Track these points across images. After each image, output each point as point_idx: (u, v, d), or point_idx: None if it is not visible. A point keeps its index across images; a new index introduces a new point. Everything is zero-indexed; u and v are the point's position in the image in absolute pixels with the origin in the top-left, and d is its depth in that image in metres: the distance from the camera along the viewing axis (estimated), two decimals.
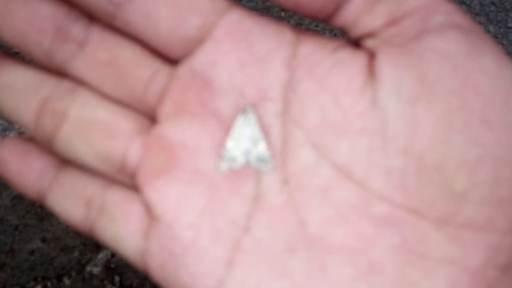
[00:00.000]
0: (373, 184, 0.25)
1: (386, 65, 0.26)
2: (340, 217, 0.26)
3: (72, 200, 0.29)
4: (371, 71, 0.26)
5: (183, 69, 0.28)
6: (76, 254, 0.36)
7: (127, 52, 0.28)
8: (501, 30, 0.55)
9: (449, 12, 0.26)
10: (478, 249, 0.24)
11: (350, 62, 0.26)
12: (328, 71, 0.26)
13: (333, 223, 0.26)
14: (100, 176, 0.30)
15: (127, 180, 0.29)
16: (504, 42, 0.55)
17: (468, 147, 0.24)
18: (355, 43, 0.28)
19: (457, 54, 0.25)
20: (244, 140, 0.27)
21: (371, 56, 0.27)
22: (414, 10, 0.26)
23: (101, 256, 0.34)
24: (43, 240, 0.35)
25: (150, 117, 0.29)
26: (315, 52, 0.27)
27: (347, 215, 0.26)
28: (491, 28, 0.55)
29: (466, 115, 0.24)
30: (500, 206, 0.24)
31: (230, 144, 0.27)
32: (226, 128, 0.28)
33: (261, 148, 0.27)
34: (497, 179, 0.24)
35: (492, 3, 0.55)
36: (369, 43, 0.27)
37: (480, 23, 0.54)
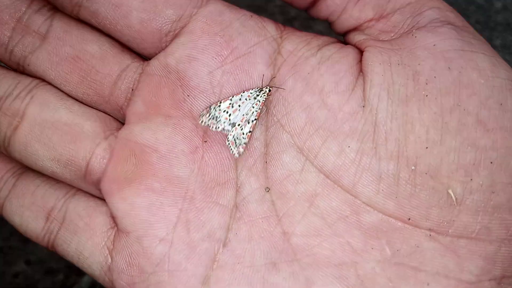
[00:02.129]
0: (363, 191, 0.23)
1: (375, 62, 0.24)
2: (327, 227, 0.24)
3: (31, 211, 0.27)
4: (360, 68, 0.24)
5: (155, 65, 0.26)
6: (61, 277, 0.35)
7: (94, 47, 0.26)
8: None
9: (441, 9, 0.25)
10: (473, 260, 0.22)
11: (338, 59, 0.25)
12: (314, 68, 0.25)
13: (319, 234, 0.24)
14: (62, 184, 0.27)
15: (91, 189, 0.27)
16: None
17: (464, 150, 0.22)
18: (343, 40, 0.27)
19: (450, 51, 0.24)
20: (237, 112, 0.25)
21: (360, 52, 0.25)
22: (404, 5, 0.25)
23: (86, 279, 0.33)
24: (28, 263, 0.34)
25: (119, 118, 0.27)
26: (300, 49, 0.25)
27: (335, 225, 0.24)
28: None
29: (461, 116, 0.23)
30: (497, 213, 0.22)
31: (225, 104, 0.25)
32: (203, 132, 0.25)
33: (245, 131, 0.25)
34: (494, 184, 0.22)
35: (477, 22, 0.56)
36: (357, 38, 0.26)
37: None
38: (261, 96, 0.25)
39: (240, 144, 0.25)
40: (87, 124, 0.26)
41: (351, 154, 0.23)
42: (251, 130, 0.25)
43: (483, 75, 0.23)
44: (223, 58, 0.25)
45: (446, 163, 0.22)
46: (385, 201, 0.23)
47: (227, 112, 0.25)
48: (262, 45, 0.25)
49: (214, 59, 0.25)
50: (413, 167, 0.23)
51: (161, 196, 0.25)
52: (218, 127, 0.25)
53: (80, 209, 0.26)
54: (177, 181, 0.25)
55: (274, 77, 0.25)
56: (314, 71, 0.25)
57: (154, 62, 0.26)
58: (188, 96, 0.25)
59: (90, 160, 0.26)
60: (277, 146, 0.25)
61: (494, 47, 0.56)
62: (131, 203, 0.25)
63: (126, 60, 0.26)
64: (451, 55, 0.23)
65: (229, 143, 0.25)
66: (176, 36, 0.26)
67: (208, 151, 0.25)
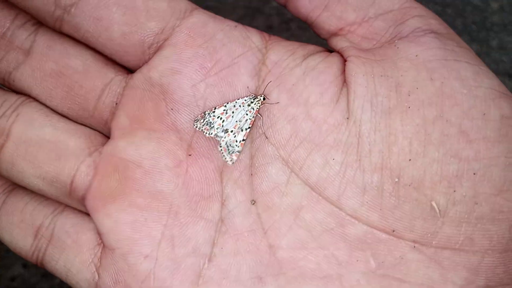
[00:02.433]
0: (348, 203, 0.23)
1: (359, 73, 0.24)
2: (312, 240, 0.24)
3: (20, 229, 0.26)
4: (344, 79, 0.24)
5: (139, 79, 0.26)
6: (58, 280, 0.35)
7: (77, 61, 0.26)
8: (483, 48, 0.56)
9: (423, 17, 0.25)
10: (457, 270, 0.22)
11: (323, 70, 0.25)
12: (299, 79, 0.25)
13: (305, 247, 0.24)
14: (50, 201, 0.27)
15: (78, 205, 0.26)
16: (487, 60, 0.56)
17: (447, 161, 0.22)
18: (327, 48, 0.27)
19: (432, 61, 0.23)
20: (231, 118, 0.25)
21: (344, 61, 0.25)
22: (387, 11, 0.25)
23: None
24: (24, 266, 0.34)
25: (105, 132, 0.27)
26: (285, 59, 0.25)
27: (320, 237, 0.23)
28: (474, 46, 0.56)
29: (443, 127, 0.23)
30: (480, 224, 0.22)
31: (219, 110, 0.25)
32: (187, 145, 0.25)
33: (238, 138, 0.25)
34: (477, 195, 0.22)
35: (474, 23, 0.57)
36: (340, 44, 0.26)
37: (464, 41, 0.55)
38: (255, 104, 0.25)
39: (233, 152, 0.25)
40: (72, 141, 0.26)
41: (336, 167, 0.23)
42: (244, 138, 0.25)
43: (465, 85, 0.23)
44: (206, 70, 0.25)
45: (429, 174, 0.22)
46: (370, 213, 0.23)
47: (221, 118, 0.25)
48: (246, 56, 0.25)
49: (198, 72, 0.25)
50: (396, 179, 0.23)
51: (145, 212, 0.25)
52: (211, 133, 0.25)
53: (68, 226, 0.26)
54: (161, 196, 0.25)
55: (268, 83, 0.25)
56: (299, 82, 0.25)
57: (137, 76, 0.26)
58: (172, 109, 0.25)
59: (74, 177, 0.25)
60: (263, 159, 0.25)
61: (490, 48, 0.56)
62: (116, 220, 0.25)
63: (109, 73, 0.26)
64: (433, 65, 0.23)
65: (221, 149, 0.25)
66: (159, 48, 0.25)
67: (193, 165, 0.25)
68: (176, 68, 0.25)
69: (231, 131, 0.25)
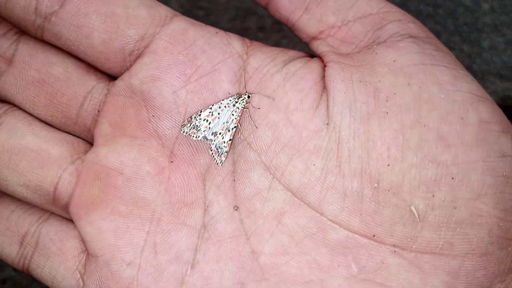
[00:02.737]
0: (329, 209, 0.23)
1: (338, 79, 0.24)
2: (294, 245, 0.24)
3: (6, 237, 0.26)
4: (324, 85, 0.24)
5: (120, 86, 0.26)
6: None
7: (59, 69, 0.26)
8: (475, 49, 0.57)
9: (401, 21, 0.25)
10: (437, 275, 0.22)
11: (303, 75, 0.25)
12: (279, 85, 0.25)
13: (287, 253, 0.24)
14: (36, 209, 0.27)
15: (63, 212, 0.26)
16: (478, 60, 0.57)
17: (425, 166, 0.22)
18: (310, 53, 0.27)
19: (410, 66, 0.23)
20: (217, 120, 0.25)
21: (324, 67, 0.25)
22: (366, 14, 0.25)
23: None
24: (15, 269, 0.34)
25: (89, 139, 0.27)
26: (266, 65, 0.25)
27: (302, 243, 0.24)
28: (465, 47, 0.57)
29: (421, 132, 0.23)
30: (459, 228, 0.22)
31: (205, 113, 0.25)
32: (169, 152, 0.25)
33: (225, 139, 0.25)
34: (455, 200, 0.22)
35: (465, 24, 0.57)
36: (321, 48, 0.26)
37: (455, 42, 0.56)
38: (239, 103, 0.25)
39: (222, 153, 0.25)
40: (54, 149, 0.26)
41: (316, 172, 0.23)
42: (231, 138, 0.25)
43: (443, 89, 0.23)
44: (187, 77, 0.25)
45: (407, 179, 0.22)
46: (350, 218, 0.23)
47: (207, 121, 0.25)
48: (227, 62, 0.25)
49: (178, 79, 0.25)
50: (376, 185, 0.23)
51: (127, 219, 0.25)
52: (199, 136, 0.25)
53: (52, 233, 0.26)
54: (143, 203, 0.25)
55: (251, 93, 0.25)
56: (279, 88, 0.25)
57: (119, 83, 0.26)
58: (153, 116, 0.25)
59: (57, 185, 0.25)
60: (245, 164, 0.25)
61: (482, 48, 0.57)
62: (98, 227, 0.25)
63: (91, 81, 0.26)
64: (411, 70, 0.23)
65: (212, 153, 0.25)
66: (140, 55, 0.25)
67: (175, 171, 0.25)
68: (156, 75, 0.25)
69: (219, 133, 0.25)
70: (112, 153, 0.25)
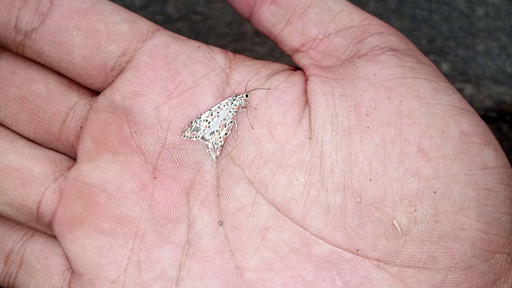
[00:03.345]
0: (313, 223, 0.23)
1: (319, 93, 0.24)
2: (279, 260, 0.23)
3: None
4: (306, 99, 0.24)
5: (102, 102, 0.26)
6: None
7: (40, 86, 0.26)
8: (470, 54, 0.57)
9: (382, 34, 0.25)
10: None
11: (285, 89, 0.24)
12: (262, 100, 0.25)
13: (272, 268, 0.23)
14: (21, 226, 0.27)
15: (47, 230, 0.26)
16: (473, 65, 0.57)
17: (406, 180, 0.22)
18: (293, 65, 0.27)
19: (390, 80, 0.23)
20: (216, 119, 0.25)
21: (306, 81, 0.25)
22: (347, 27, 0.25)
23: None
24: (1, 286, 0.33)
25: (73, 155, 0.27)
26: (249, 79, 0.25)
27: (287, 258, 0.23)
28: (460, 52, 0.57)
29: (402, 146, 0.22)
30: (442, 242, 0.22)
31: (205, 115, 0.25)
32: (152, 168, 0.25)
33: (221, 134, 0.25)
34: (438, 213, 0.22)
35: (460, 29, 0.57)
36: (302, 61, 0.26)
37: (450, 47, 0.56)
38: (237, 100, 0.25)
39: (217, 148, 0.25)
40: (37, 166, 0.26)
41: (300, 187, 0.23)
42: (227, 132, 0.25)
43: (424, 103, 0.23)
44: (169, 92, 0.25)
45: (390, 194, 0.22)
46: (334, 233, 0.23)
47: (207, 121, 0.25)
48: (209, 77, 0.25)
49: (160, 94, 0.25)
50: (358, 199, 0.22)
51: (110, 237, 0.25)
52: (198, 136, 0.25)
53: (37, 251, 0.26)
54: (127, 220, 0.25)
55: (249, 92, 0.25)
56: (262, 102, 0.25)
57: (101, 99, 0.26)
58: (135, 132, 0.25)
59: (40, 203, 0.25)
60: (228, 179, 0.24)
61: (476, 53, 0.57)
62: (82, 245, 0.25)
63: (73, 97, 0.26)
64: (391, 84, 0.23)
65: (208, 151, 0.25)
66: (121, 71, 0.25)
67: (158, 187, 0.25)
68: (138, 90, 0.25)
69: (217, 131, 0.25)
70: (94, 170, 0.25)
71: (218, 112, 0.25)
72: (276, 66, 0.26)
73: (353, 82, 0.24)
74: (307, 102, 0.24)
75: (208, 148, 0.25)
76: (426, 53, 0.58)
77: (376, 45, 0.24)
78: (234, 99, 0.25)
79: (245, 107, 0.25)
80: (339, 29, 0.25)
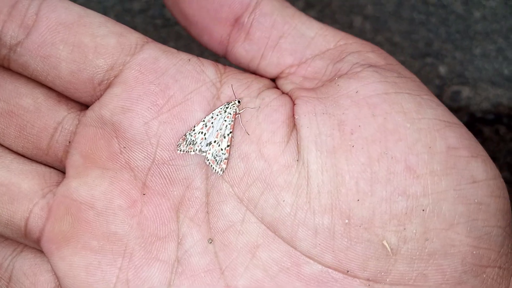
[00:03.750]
0: (301, 244, 0.23)
1: (301, 114, 0.24)
2: (269, 279, 0.23)
3: None
4: (294, 120, 0.24)
5: (91, 116, 0.25)
6: None
7: (28, 100, 0.25)
8: (467, 56, 0.57)
9: (360, 52, 0.25)
10: None
11: (276, 108, 0.24)
12: (253, 116, 0.24)
13: (262, 287, 0.23)
14: (10, 242, 0.26)
15: (35, 245, 0.26)
16: (470, 68, 0.57)
17: (394, 199, 0.22)
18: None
19: (373, 96, 0.23)
20: (212, 129, 0.25)
21: (294, 102, 0.25)
22: (324, 51, 0.25)
23: None
24: None
25: (62, 169, 0.26)
26: (239, 93, 0.25)
27: (277, 277, 0.23)
28: (457, 54, 0.57)
29: (389, 164, 0.22)
30: (432, 259, 0.22)
31: (199, 126, 0.24)
32: (141, 184, 0.24)
33: (223, 146, 0.24)
34: (427, 231, 0.22)
35: (457, 31, 0.58)
36: (286, 87, 0.25)
37: (447, 49, 0.56)
38: (230, 108, 0.24)
39: (221, 161, 0.24)
40: (25, 182, 0.25)
41: (286, 208, 0.23)
42: (228, 144, 0.24)
43: (408, 118, 0.22)
44: (159, 107, 0.24)
45: (378, 214, 0.22)
46: (323, 254, 0.23)
47: (202, 133, 0.25)
48: (200, 91, 0.25)
49: (150, 110, 0.24)
50: (347, 221, 0.22)
51: (99, 255, 0.24)
52: (196, 149, 0.24)
53: (26, 267, 0.26)
54: (115, 238, 0.24)
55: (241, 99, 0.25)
56: (252, 119, 0.24)
57: (89, 113, 0.25)
58: (124, 148, 0.25)
59: (28, 220, 0.25)
60: (218, 196, 0.24)
61: (473, 56, 0.57)
62: (70, 263, 0.24)
63: (62, 111, 0.26)
64: (374, 101, 0.23)
65: (209, 162, 0.24)
66: (110, 85, 0.25)
67: (147, 204, 0.24)
68: (127, 106, 0.25)
69: (215, 141, 0.25)
70: (83, 186, 0.25)
71: (212, 123, 0.25)
72: (268, 81, 0.26)
73: (335, 100, 0.23)
74: (295, 124, 0.24)
75: (208, 160, 0.24)
76: (424, 55, 0.58)
77: (355, 62, 0.24)
78: (227, 107, 0.25)
79: (239, 114, 0.25)
80: (316, 53, 0.25)
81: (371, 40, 0.58)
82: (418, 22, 0.58)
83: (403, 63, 0.54)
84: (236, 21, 0.25)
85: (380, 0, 0.60)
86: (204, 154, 0.25)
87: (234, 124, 0.25)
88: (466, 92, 0.57)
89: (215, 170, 0.24)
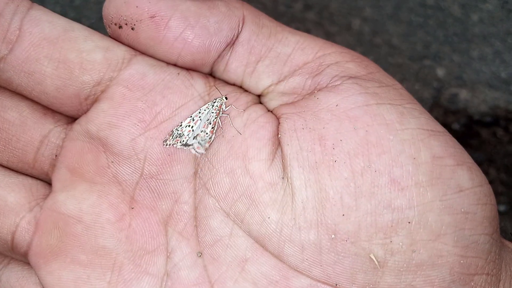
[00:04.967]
0: (288, 260, 0.23)
1: (282, 132, 0.23)
2: None
3: None
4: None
5: (78, 130, 0.25)
6: None
7: (13, 114, 0.25)
8: (464, 59, 0.58)
9: (339, 63, 0.24)
10: None
11: (263, 124, 0.24)
12: (239, 130, 0.24)
13: None
14: None
15: (23, 258, 0.26)
16: (468, 70, 0.57)
17: (380, 213, 0.22)
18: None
19: (354, 109, 0.23)
20: (199, 122, 0.24)
21: (279, 121, 0.24)
22: (301, 65, 0.25)
23: None
24: None
25: (49, 181, 0.26)
26: (227, 106, 0.25)
27: None
28: (455, 57, 0.58)
29: (373, 177, 0.22)
30: (420, 270, 0.22)
31: (186, 121, 0.24)
32: (130, 198, 0.24)
33: (207, 130, 0.24)
34: (414, 243, 0.22)
35: (455, 34, 0.58)
36: (269, 104, 0.25)
37: (445, 52, 0.57)
38: (217, 102, 0.25)
39: (205, 142, 0.24)
40: (11, 196, 0.25)
41: (272, 225, 0.23)
42: (213, 126, 0.24)
43: (391, 130, 0.22)
44: (146, 124, 0.24)
45: (364, 227, 0.22)
46: (311, 269, 0.22)
47: (190, 126, 0.25)
48: (188, 106, 0.25)
49: (136, 126, 0.24)
50: (333, 236, 0.22)
51: (87, 269, 0.24)
52: (183, 141, 0.24)
53: (13, 280, 0.26)
54: (104, 252, 0.24)
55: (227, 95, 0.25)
56: (238, 134, 0.24)
57: (76, 127, 0.25)
58: (112, 162, 0.24)
59: (15, 233, 0.25)
60: (204, 211, 0.24)
61: (471, 58, 0.58)
62: (58, 277, 0.24)
63: (48, 125, 0.25)
64: (355, 114, 0.23)
65: (195, 150, 0.24)
66: (96, 100, 0.25)
67: (136, 218, 0.24)
68: (113, 122, 0.24)
69: (201, 131, 0.25)
70: (70, 200, 0.25)
71: (200, 117, 0.25)
72: (254, 95, 0.26)
73: (315, 114, 0.23)
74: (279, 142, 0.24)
75: (194, 149, 0.24)
76: (422, 58, 0.59)
77: (334, 75, 0.24)
78: (214, 102, 0.25)
79: (226, 112, 0.25)
80: (294, 69, 0.25)
81: (369, 42, 0.58)
82: (416, 25, 0.59)
83: (401, 65, 0.54)
84: (219, 56, 0.25)
85: (378, 2, 0.60)
86: (189, 147, 0.24)
87: (219, 113, 0.25)
88: (463, 94, 0.57)
89: (200, 152, 0.24)
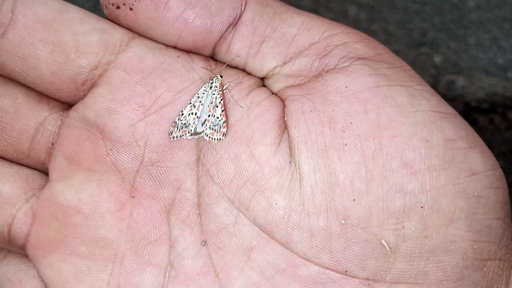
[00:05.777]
0: (297, 247, 0.22)
1: (291, 113, 0.23)
2: (265, 282, 0.22)
3: None
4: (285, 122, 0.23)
5: (75, 117, 0.24)
6: None
7: (7, 101, 0.24)
8: (461, 46, 0.57)
9: (347, 43, 0.24)
10: None
11: (267, 107, 0.23)
12: (243, 115, 0.23)
13: None
14: None
15: (20, 251, 0.25)
16: (465, 57, 0.57)
17: (392, 197, 0.21)
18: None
19: (364, 91, 0.22)
20: (201, 107, 0.24)
21: (284, 103, 0.24)
22: (308, 46, 0.24)
23: None
24: None
25: (45, 170, 0.25)
26: (230, 90, 0.24)
27: (273, 279, 0.22)
28: (452, 44, 0.58)
29: (384, 161, 0.21)
30: (433, 257, 0.21)
31: (187, 109, 0.24)
32: (130, 186, 0.24)
33: (217, 114, 0.24)
34: (427, 228, 0.21)
35: (452, 21, 0.58)
36: (273, 87, 0.24)
37: (442, 39, 0.56)
38: (215, 82, 0.24)
39: (220, 126, 0.23)
40: (6, 187, 0.24)
41: (279, 211, 0.22)
42: (223, 109, 0.24)
43: (402, 112, 0.22)
44: (145, 109, 0.23)
45: (375, 213, 0.21)
46: (320, 256, 0.22)
47: (194, 113, 0.24)
48: (189, 90, 0.24)
49: (136, 111, 0.23)
50: (343, 221, 0.21)
51: (88, 261, 0.23)
52: (191, 130, 0.24)
53: (11, 273, 0.25)
54: (105, 242, 0.23)
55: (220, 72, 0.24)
56: (242, 118, 0.23)
57: (73, 114, 0.24)
58: (111, 149, 0.24)
59: (11, 225, 0.24)
60: (208, 198, 0.23)
61: (468, 45, 0.57)
62: (58, 270, 0.23)
63: (43, 112, 0.25)
64: (365, 95, 0.22)
65: (208, 136, 0.24)
66: (94, 85, 0.24)
67: (137, 207, 0.24)
68: (112, 107, 0.23)
69: (209, 116, 0.24)
70: (68, 190, 0.24)
71: (200, 102, 0.24)
72: (258, 78, 0.25)
73: (324, 97, 0.22)
74: (286, 125, 0.23)
75: (207, 135, 0.24)
76: (418, 45, 0.58)
77: (342, 56, 0.23)
78: (211, 83, 0.24)
79: (227, 89, 0.24)
80: (300, 50, 0.24)
81: (366, 29, 0.58)
82: (413, 11, 0.58)
83: (397, 52, 0.54)
84: (221, 37, 0.24)
85: None
86: (200, 135, 0.24)
87: (222, 92, 0.24)
88: (460, 81, 0.57)
89: (217, 138, 0.23)
